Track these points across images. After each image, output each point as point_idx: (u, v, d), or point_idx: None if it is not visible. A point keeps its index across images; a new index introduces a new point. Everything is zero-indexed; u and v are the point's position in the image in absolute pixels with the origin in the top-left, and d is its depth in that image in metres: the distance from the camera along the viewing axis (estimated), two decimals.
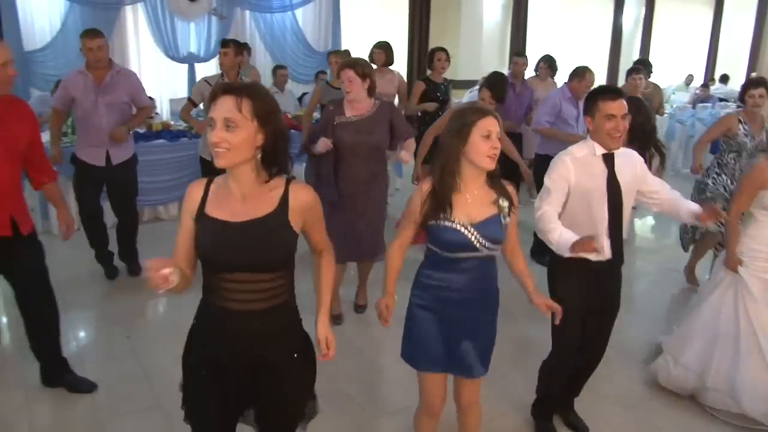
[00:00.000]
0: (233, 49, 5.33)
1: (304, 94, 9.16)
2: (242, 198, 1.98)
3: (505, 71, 7.06)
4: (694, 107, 11.25)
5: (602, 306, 3.17)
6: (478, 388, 2.73)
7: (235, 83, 1.94)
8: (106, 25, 8.38)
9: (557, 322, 2.63)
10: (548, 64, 8.02)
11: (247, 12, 9.65)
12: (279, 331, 2.07)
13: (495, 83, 4.84)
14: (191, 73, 9.26)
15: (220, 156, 1.88)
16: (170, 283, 1.83)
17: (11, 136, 3.22)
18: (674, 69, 14.04)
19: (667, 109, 10.67)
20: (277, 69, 8.75)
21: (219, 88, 1.91)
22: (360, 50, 10.46)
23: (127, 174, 5.18)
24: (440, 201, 2.45)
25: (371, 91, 4.13)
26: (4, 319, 4.63)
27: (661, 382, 3.88)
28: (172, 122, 7.49)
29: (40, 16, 8.10)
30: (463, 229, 2.44)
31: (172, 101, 8.55)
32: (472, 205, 2.46)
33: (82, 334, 4.54)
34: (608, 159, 2.96)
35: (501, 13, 10.92)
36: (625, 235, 3.10)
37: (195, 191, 2.04)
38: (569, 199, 2.98)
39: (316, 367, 2.22)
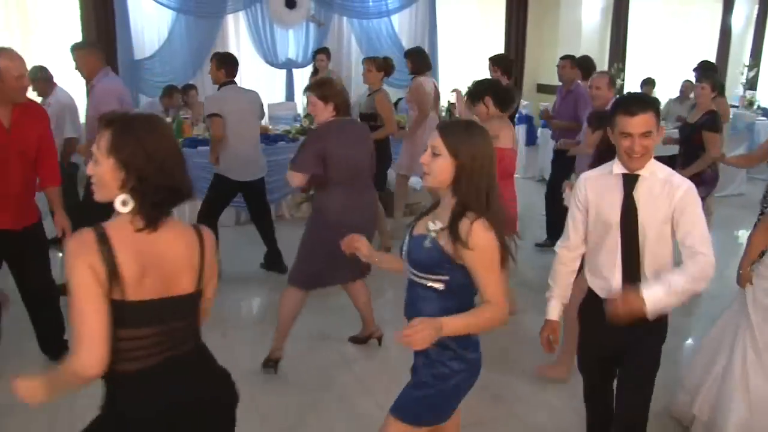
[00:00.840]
0: (214, 62, 5.31)
1: (399, 99, 9.21)
2: None
3: None
4: None
5: (620, 354, 2.73)
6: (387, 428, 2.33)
7: (113, 114, 1.85)
8: (210, 33, 8.75)
9: None
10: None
11: (344, 18, 9.81)
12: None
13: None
14: (289, 78, 9.50)
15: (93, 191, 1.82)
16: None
17: (24, 139, 3.57)
18: None
19: None
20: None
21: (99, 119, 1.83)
22: (456, 56, 10.49)
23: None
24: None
25: (339, 112, 3.94)
26: None
27: (672, 410, 3.58)
28: (270, 126, 7.72)
29: (149, 27, 8.52)
30: (407, 236, 2.34)
31: (270, 106, 8.80)
32: (431, 219, 2.27)
33: None
34: (628, 180, 2.59)
35: (600, 16, 10.62)
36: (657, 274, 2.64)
37: None
38: (589, 227, 2.73)
39: None
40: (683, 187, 2.52)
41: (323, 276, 3.99)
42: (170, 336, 1.87)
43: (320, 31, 9.44)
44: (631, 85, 10.01)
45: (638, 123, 2.48)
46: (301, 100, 9.23)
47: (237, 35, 9.14)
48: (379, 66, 6.02)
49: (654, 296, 2.40)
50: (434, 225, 2.19)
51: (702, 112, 5.48)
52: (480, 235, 2.10)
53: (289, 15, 9.07)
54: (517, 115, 8.78)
